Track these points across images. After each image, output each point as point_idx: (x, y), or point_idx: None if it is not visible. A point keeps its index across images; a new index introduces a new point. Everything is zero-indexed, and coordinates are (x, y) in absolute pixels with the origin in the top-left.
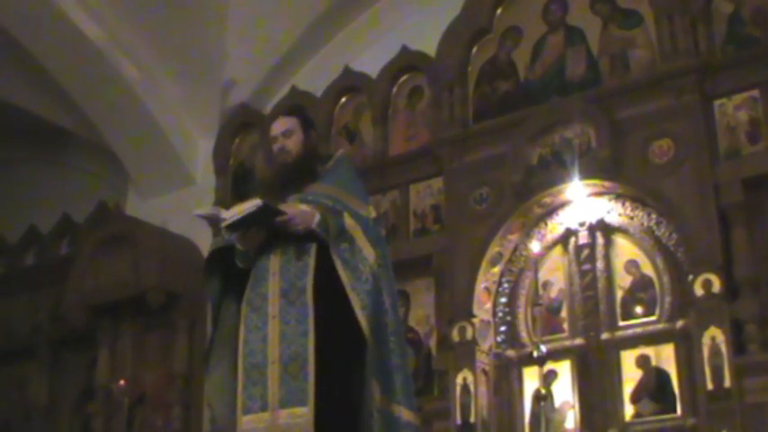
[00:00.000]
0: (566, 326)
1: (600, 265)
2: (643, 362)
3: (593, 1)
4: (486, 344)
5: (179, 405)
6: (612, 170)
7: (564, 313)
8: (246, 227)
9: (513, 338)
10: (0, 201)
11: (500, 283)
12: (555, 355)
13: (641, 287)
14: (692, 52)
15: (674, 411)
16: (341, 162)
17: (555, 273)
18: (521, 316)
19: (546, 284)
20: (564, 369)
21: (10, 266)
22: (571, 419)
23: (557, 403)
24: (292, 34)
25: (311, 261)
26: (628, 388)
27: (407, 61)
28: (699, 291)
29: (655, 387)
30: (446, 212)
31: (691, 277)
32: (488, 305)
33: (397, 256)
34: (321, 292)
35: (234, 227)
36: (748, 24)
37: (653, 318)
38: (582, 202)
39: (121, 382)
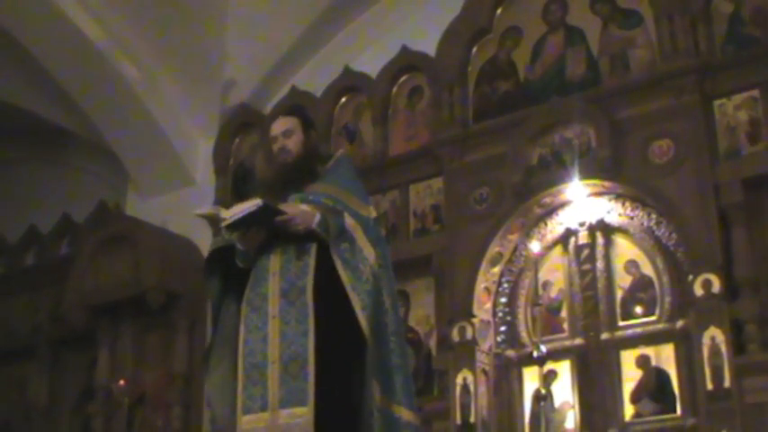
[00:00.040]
0: (566, 326)
1: (600, 265)
2: (643, 362)
3: (593, 1)
4: (486, 344)
5: (179, 405)
6: (612, 170)
7: (564, 313)
8: (247, 226)
9: (513, 338)
10: (0, 201)
11: (500, 283)
12: (555, 355)
13: (641, 287)
14: (692, 52)
15: (674, 411)
16: (341, 162)
17: (555, 273)
18: (521, 316)
19: (546, 284)
20: (564, 369)
21: (10, 266)
22: (571, 419)
23: (557, 403)
24: (292, 34)
25: (311, 261)
26: (628, 388)
27: (407, 61)
28: (699, 291)
29: (655, 387)
30: (446, 212)
31: (691, 277)
32: (488, 305)
33: (397, 256)
34: (321, 292)
35: (234, 226)
36: (748, 24)
37: (653, 318)
38: (582, 202)
39: (121, 382)
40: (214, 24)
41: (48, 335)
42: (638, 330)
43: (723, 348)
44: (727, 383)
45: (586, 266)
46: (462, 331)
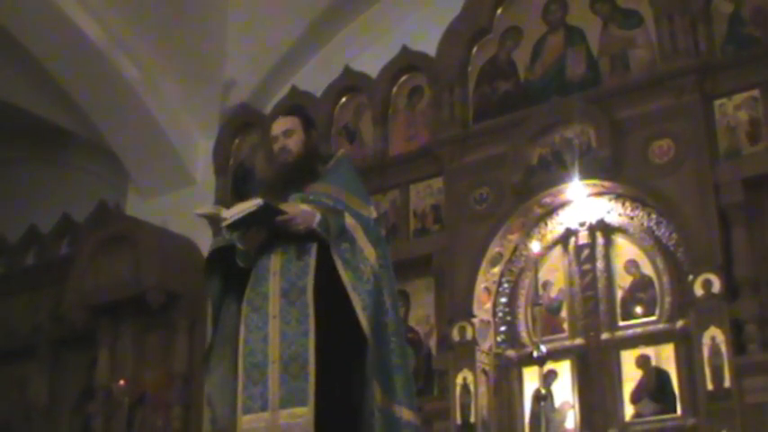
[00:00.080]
0: (566, 326)
1: (600, 265)
2: (643, 362)
3: (593, 1)
4: (486, 344)
5: (179, 405)
6: (612, 170)
7: (564, 313)
8: (247, 226)
9: (513, 338)
10: (0, 201)
11: (500, 283)
12: (555, 355)
13: (641, 287)
14: (691, 52)
15: (674, 411)
16: (342, 162)
17: (555, 273)
18: (521, 316)
19: (546, 284)
20: (564, 369)
21: (10, 266)
22: (571, 419)
23: (557, 403)
24: (292, 34)
25: (312, 261)
26: (628, 388)
27: (407, 61)
28: (699, 291)
29: (655, 387)
30: (446, 212)
31: (691, 277)
32: (488, 305)
33: (397, 256)
34: (322, 292)
35: (235, 226)
36: (748, 24)
37: (653, 318)
38: (582, 202)
39: (121, 382)
40: (214, 24)
41: (48, 335)
42: (639, 330)
43: (723, 348)
44: (727, 383)
45: (586, 266)
46: (462, 331)
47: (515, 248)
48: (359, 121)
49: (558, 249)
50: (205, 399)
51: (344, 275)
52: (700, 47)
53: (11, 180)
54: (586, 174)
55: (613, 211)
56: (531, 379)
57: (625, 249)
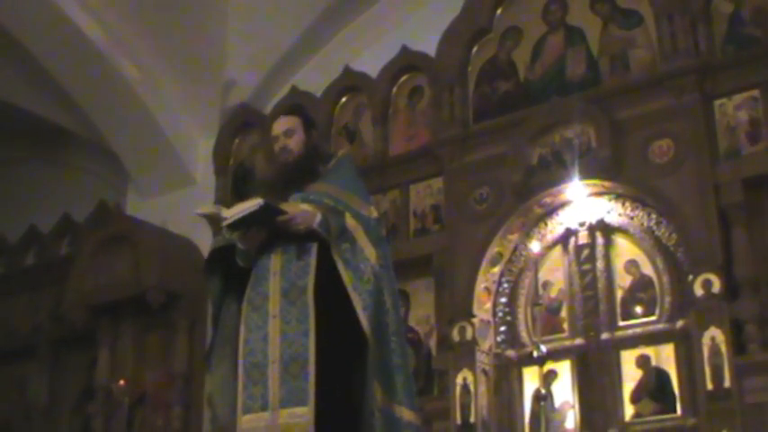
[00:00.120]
0: (566, 326)
1: (600, 265)
2: (643, 362)
3: (593, 1)
4: (486, 344)
5: (179, 405)
6: (612, 170)
7: (564, 313)
8: (248, 226)
9: (513, 338)
10: (0, 201)
11: (500, 283)
12: (555, 355)
13: (641, 287)
14: (692, 52)
15: (674, 411)
16: (343, 162)
17: (555, 273)
18: (521, 316)
19: (546, 284)
20: (564, 369)
21: (10, 266)
22: (571, 419)
23: (557, 403)
24: (292, 34)
25: (312, 261)
26: (628, 388)
27: (408, 61)
28: (699, 291)
29: (655, 387)
30: (446, 212)
31: (691, 277)
32: (488, 305)
33: (397, 255)
34: (322, 292)
35: (235, 226)
36: (748, 24)
37: (653, 318)
38: (582, 202)
39: (121, 381)
40: (214, 24)
41: (48, 335)
42: (639, 330)
43: (723, 348)
44: (727, 383)
45: (586, 266)
46: (462, 331)
47: (515, 248)
48: (359, 121)
49: (558, 249)
50: (205, 398)
51: (345, 275)
52: (700, 47)
53: (11, 180)
54: (586, 174)
55: (613, 211)
56: (531, 379)
57: (625, 249)
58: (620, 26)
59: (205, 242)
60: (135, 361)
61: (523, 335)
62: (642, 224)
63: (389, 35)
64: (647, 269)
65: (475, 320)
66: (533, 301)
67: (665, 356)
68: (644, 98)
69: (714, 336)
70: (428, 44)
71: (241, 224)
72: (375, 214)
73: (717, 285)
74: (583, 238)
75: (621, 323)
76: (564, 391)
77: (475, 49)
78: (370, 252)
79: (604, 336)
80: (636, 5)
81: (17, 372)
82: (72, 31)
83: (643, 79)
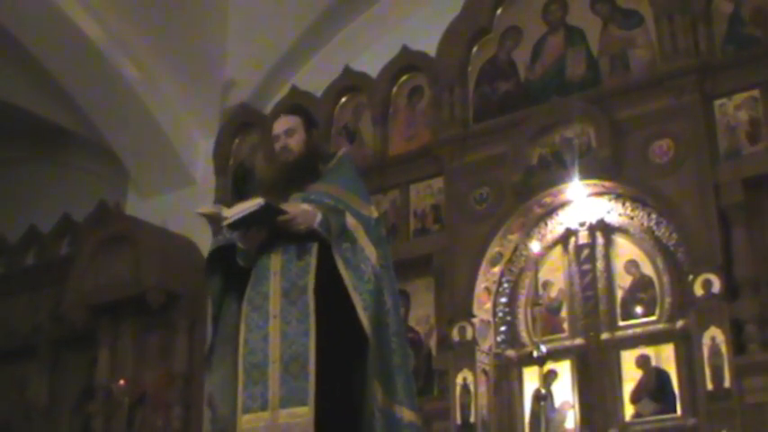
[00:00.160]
0: (566, 326)
1: (600, 265)
2: (643, 362)
3: (593, 1)
4: (486, 344)
5: (179, 405)
6: (612, 170)
7: (564, 313)
8: (248, 226)
9: (513, 338)
10: (0, 201)
11: (500, 283)
12: (555, 355)
13: (641, 287)
14: (692, 52)
15: (674, 411)
16: (343, 161)
17: (555, 273)
18: (521, 316)
19: (546, 284)
20: (564, 369)
21: (10, 266)
22: (571, 419)
23: (557, 403)
24: (292, 34)
25: (313, 260)
26: (628, 388)
27: (408, 61)
28: (699, 291)
29: (655, 387)
30: (446, 212)
31: (691, 277)
32: (488, 305)
33: (397, 255)
34: (322, 292)
35: (236, 225)
36: (748, 24)
37: (653, 318)
38: (582, 202)
39: (121, 381)
40: (214, 24)
41: (48, 335)
42: (639, 330)
43: (723, 348)
44: (727, 383)
45: (586, 266)
46: (462, 331)
47: (515, 248)
48: (359, 121)
49: (558, 249)
50: (205, 398)
51: (345, 275)
52: (700, 47)
53: (11, 180)
54: (586, 174)
55: (613, 211)
56: (531, 379)
57: (625, 249)
58: (620, 26)
59: (205, 242)
60: (135, 361)
61: (523, 335)
62: (642, 224)
63: (389, 35)
64: (648, 269)
65: (475, 320)
66: (533, 301)
67: (665, 356)
68: (644, 98)
69: (714, 336)
70: (428, 44)
71: (242, 224)
72: (375, 214)
73: (717, 285)
74: (583, 238)
75: (621, 323)
76: (564, 391)
77: (475, 48)
78: (370, 252)
79: (604, 336)
80: (636, 5)
81: (17, 372)
82: (72, 31)
83: (643, 79)
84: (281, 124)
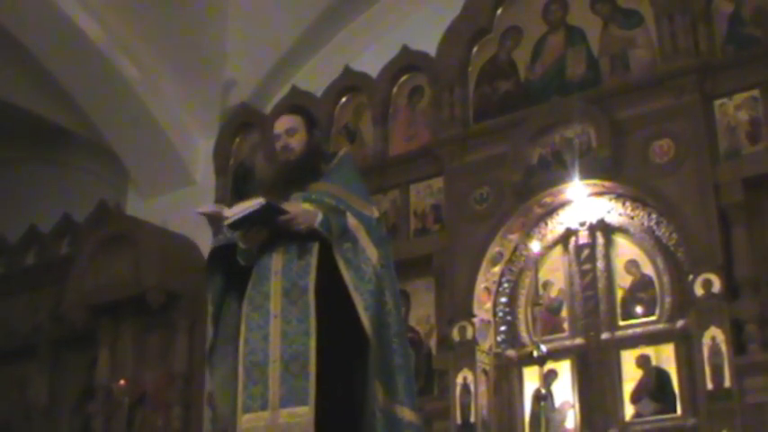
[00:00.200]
0: (566, 326)
1: (600, 264)
2: (643, 362)
3: (593, 1)
4: (487, 344)
5: (179, 405)
6: (613, 170)
7: (564, 313)
8: (249, 225)
9: (513, 338)
10: (0, 201)
11: (500, 283)
12: (555, 354)
13: (641, 287)
14: (692, 52)
15: (675, 411)
16: (344, 161)
17: (555, 273)
18: (521, 316)
19: (546, 284)
20: (564, 369)
21: (10, 266)
22: (571, 419)
23: (557, 403)
24: (292, 34)
25: (313, 260)
26: (628, 388)
27: (408, 61)
28: (699, 291)
29: (655, 387)
30: (446, 212)
31: (691, 277)
32: (488, 305)
33: (397, 255)
34: (323, 292)
35: (236, 225)
36: (748, 24)
37: (653, 318)
38: (582, 202)
39: (121, 381)
40: (214, 24)
41: (48, 334)
42: (639, 330)
43: (723, 348)
44: (727, 383)
45: (587, 266)
46: (462, 331)
47: (515, 248)
48: (359, 120)
49: (558, 249)
50: (206, 398)
51: (346, 275)
52: (700, 47)
53: (11, 180)
54: (586, 174)
55: (613, 211)
56: (531, 379)
57: (625, 249)
58: (620, 26)
59: (205, 242)
60: (135, 361)
61: (524, 335)
62: (642, 224)
63: (389, 35)
64: (648, 269)
65: (475, 320)
66: (533, 300)
67: (666, 356)
68: (644, 98)
69: (714, 336)
70: (428, 44)
71: (242, 223)
72: (376, 214)
73: (717, 285)
74: (583, 237)
75: (622, 323)
76: (564, 391)
77: (475, 48)
78: (371, 252)
79: (604, 336)
80: (636, 5)
81: (17, 372)
82: (72, 31)
83: (643, 79)
84: (283, 123)
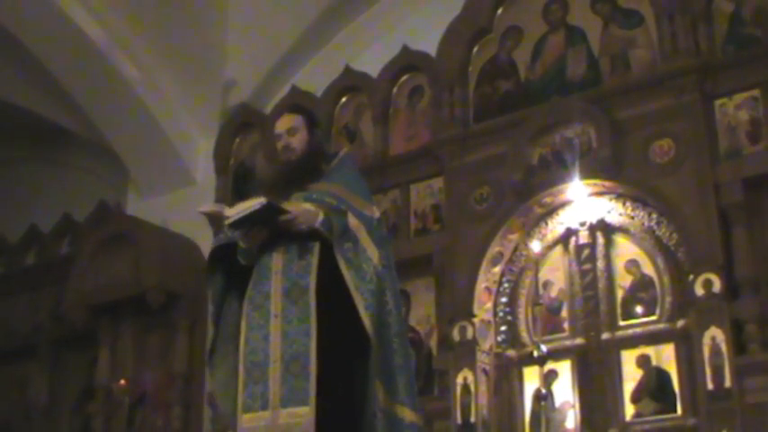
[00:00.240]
0: (566, 325)
1: (600, 264)
2: (643, 362)
3: (593, 1)
4: (487, 344)
5: (179, 405)
6: (613, 170)
7: (564, 313)
8: (250, 225)
9: (513, 338)
10: (0, 200)
11: (500, 283)
12: (555, 354)
13: (642, 287)
14: (692, 52)
15: (675, 411)
16: (345, 161)
17: (555, 272)
18: (521, 316)
19: (546, 284)
20: (564, 369)
21: (10, 266)
22: (571, 419)
23: (557, 403)
24: (292, 34)
25: (314, 260)
26: (628, 388)
27: (408, 61)
28: (699, 291)
29: (655, 387)
30: (446, 212)
31: (691, 277)
32: (489, 305)
33: (397, 255)
34: (324, 292)
35: (237, 224)
36: (749, 24)
37: (653, 318)
38: (582, 202)
39: (122, 381)
40: (214, 24)
41: (48, 334)
42: (639, 330)
43: (724, 348)
44: (727, 383)
45: (587, 266)
46: (463, 331)
47: (516, 248)
48: (359, 120)
49: (558, 249)
50: (206, 398)
51: (347, 275)
52: (700, 46)
53: (11, 180)
54: (587, 173)
55: (614, 211)
56: (531, 379)
57: (625, 249)
58: (620, 26)
59: (206, 242)
60: (135, 361)
61: (524, 335)
62: (643, 224)
63: (389, 35)
64: (648, 269)
65: (475, 320)
66: (534, 300)
67: (666, 356)
68: (644, 98)
69: (714, 336)
70: (428, 44)
71: (243, 223)
72: (377, 214)
73: (717, 285)
74: (583, 237)
75: (622, 323)
76: (564, 391)
77: (475, 48)
78: (372, 252)
79: (605, 335)
80: (636, 5)
81: (17, 372)
82: (72, 31)
83: (643, 79)
84: (284, 123)
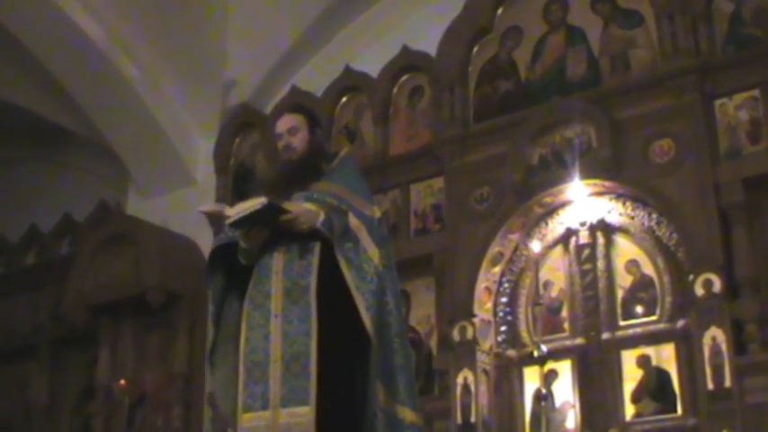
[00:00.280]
0: (566, 325)
1: (600, 264)
2: (643, 362)
3: (593, 1)
4: (487, 344)
5: (179, 405)
6: (613, 170)
7: (564, 313)
8: (251, 224)
9: (513, 338)
10: (0, 200)
11: (501, 283)
12: (555, 354)
13: (642, 287)
14: (692, 52)
15: (675, 411)
16: (346, 161)
17: (555, 272)
18: (521, 316)
19: (546, 284)
20: (564, 369)
21: (10, 266)
22: (572, 419)
23: (557, 403)
24: (292, 34)
25: (315, 260)
26: (628, 388)
27: (408, 61)
28: (699, 290)
29: (655, 387)
30: (447, 212)
31: (691, 277)
32: (489, 305)
33: (397, 255)
34: (324, 292)
35: (238, 224)
36: (749, 24)
37: (653, 317)
38: (582, 202)
39: (122, 381)
40: (214, 24)
41: (48, 334)
42: (639, 330)
43: (724, 348)
44: (727, 383)
45: (587, 266)
46: (463, 331)
47: (516, 248)
48: (359, 120)
49: (558, 249)
50: (207, 397)
51: (348, 275)
52: (700, 46)
53: (11, 180)
54: (587, 173)
55: (614, 211)
56: (531, 379)
57: (626, 249)
58: (620, 26)
59: (206, 242)
60: (135, 361)
61: (524, 335)
62: (643, 224)
63: (390, 35)
64: (648, 269)
65: (475, 320)
66: (534, 300)
67: (666, 356)
68: (644, 98)
69: (715, 335)
70: (429, 44)
71: (244, 222)
72: (378, 214)
73: (717, 285)
74: (583, 237)
75: (622, 323)
76: (564, 391)
77: (475, 48)
78: (373, 252)
79: (605, 335)
80: (636, 5)
81: (17, 372)
82: (72, 30)
83: (643, 79)
84: (285, 122)
